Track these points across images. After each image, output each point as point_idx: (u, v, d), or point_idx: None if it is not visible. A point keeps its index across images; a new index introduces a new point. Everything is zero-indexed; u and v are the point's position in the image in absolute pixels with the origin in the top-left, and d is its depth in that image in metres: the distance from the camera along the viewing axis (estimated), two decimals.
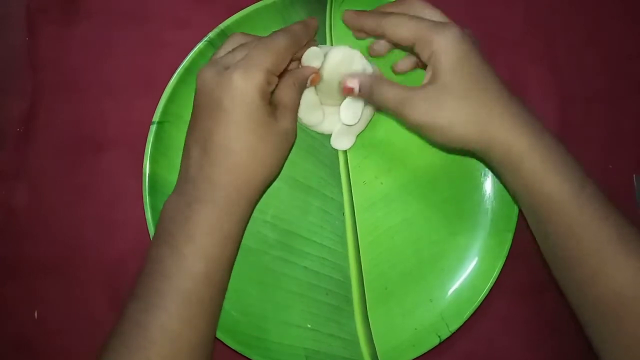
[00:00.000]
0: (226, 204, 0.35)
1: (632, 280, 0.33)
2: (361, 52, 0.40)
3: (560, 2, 0.47)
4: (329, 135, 0.43)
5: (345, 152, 0.43)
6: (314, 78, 0.39)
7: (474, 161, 0.43)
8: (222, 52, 0.37)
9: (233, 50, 0.37)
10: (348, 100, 0.41)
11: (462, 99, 0.35)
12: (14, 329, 0.43)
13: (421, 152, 0.43)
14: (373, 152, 0.43)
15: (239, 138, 0.34)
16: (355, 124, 0.41)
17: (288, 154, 0.38)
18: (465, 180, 0.43)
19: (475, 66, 0.35)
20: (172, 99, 0.41)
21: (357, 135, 0.43)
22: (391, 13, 0.38)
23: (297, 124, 0.42)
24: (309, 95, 0.41)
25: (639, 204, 0.46)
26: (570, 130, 0.46)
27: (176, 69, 0.40)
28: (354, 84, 0.38)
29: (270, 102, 0.36)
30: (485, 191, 0.43)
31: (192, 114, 0.37)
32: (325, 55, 0.40)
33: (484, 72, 0.36)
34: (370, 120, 0.43)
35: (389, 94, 0.36)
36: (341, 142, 0.43)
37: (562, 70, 0.46)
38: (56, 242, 0.43)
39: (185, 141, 0.37)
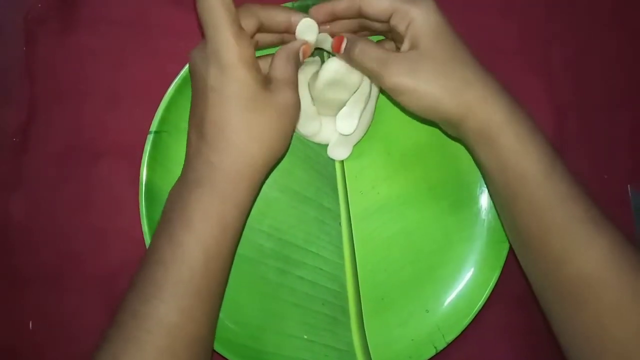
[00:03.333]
0: (225, 187, 0.33)
1: (599, 259, 0.33)
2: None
3: (556, 12, 0.47)
4: (326, 146, 0.43)
5: (342, 162, 0.43)
6: (304, 49, 0.38)
7: (471, 171, 0.43)
8: None
9: None
10: (345, 110, 0.41)
11: (442, 65, 0.35)
12: (8, 339, 0.42)
13: (418, 162, 0.43)
14: (370, 162, 0.43)
15: (231, 114, 0.33)
16: (352, 134, 0.41)
17: (291, 131, 0.36)
18: (462, 191, 0.43)
19: (453, 38, 0.36)
20: (170, 108, 0.41)
21: (354, 146, 0.43)
22: None
23: (294, 134, 0.42)
24: (306, 105, 0.41)
25: (635, 215, 0.46)
26: (565, 139, 0.46)
27: (174, 78, 0.40)
28: (340, 39, 0.38)
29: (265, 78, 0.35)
30: (482, 202, 0.43)
31: (191, 99, 0.36)
32: (322, 66, 0.40)
33: (461, 44, 0.36)
34: (367, 131, 0.43)
35: (372, 53, 0.36)
36: (338, 152, 0.43)
37: (557, 80, 0.46)
38: (52, 251, 0.43)
39: (188, 127, 0.36)
